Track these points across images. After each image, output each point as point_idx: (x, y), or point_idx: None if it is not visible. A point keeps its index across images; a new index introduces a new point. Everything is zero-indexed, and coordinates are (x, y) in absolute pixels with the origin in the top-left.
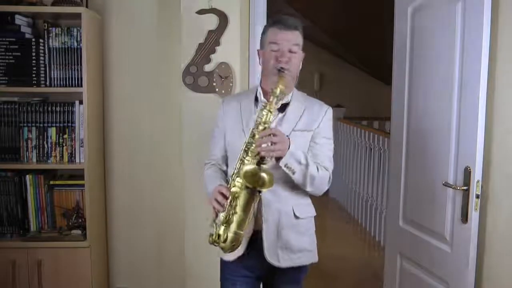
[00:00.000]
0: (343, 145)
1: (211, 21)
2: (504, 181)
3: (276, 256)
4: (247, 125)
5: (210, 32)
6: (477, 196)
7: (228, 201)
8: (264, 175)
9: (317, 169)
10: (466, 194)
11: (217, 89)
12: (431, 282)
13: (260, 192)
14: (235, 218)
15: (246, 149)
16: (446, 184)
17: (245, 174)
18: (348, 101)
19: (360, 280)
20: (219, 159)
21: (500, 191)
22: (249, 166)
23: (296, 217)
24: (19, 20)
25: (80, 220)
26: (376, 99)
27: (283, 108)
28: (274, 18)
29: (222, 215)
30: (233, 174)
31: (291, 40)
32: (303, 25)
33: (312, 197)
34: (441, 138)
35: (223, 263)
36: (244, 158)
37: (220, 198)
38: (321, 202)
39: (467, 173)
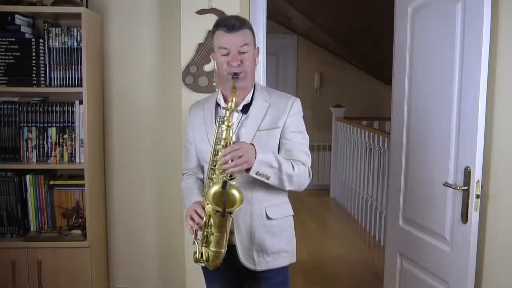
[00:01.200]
0: (343, 145)
1: (211, 21)
2: (504, 181)
3: (252, 260)
4: (210, 133)
5: (210, 32)
6: (477, 196)
7: (203, 220)
8: (232, 192)
9: (293, 166)
10: (466, 194)
11: (217, 89)
12: (431, 282)
13: (230, 213)
14: (213, 238)
15: (212, 167)
16: (446, 184)
17: (213, 197)
18: (348, 101)
19: (360, 280)
20: (194, 168)
21: (500, 191)
22: (215, 187)
23: (269, 218)
24: (19, 20)
25: (80, 220)
26: (376, 99)
27: (245, 108)
28: (218, 20)
29: (200, 234)
30: (204, 194)
31: (239, 42)
32: (249, 22)
33: (312, 196)
34: (441, 138)
35: (202, 268)
36: (212, 176)
37: (196, 217)
38: (321, 202)
39: (467, 173)
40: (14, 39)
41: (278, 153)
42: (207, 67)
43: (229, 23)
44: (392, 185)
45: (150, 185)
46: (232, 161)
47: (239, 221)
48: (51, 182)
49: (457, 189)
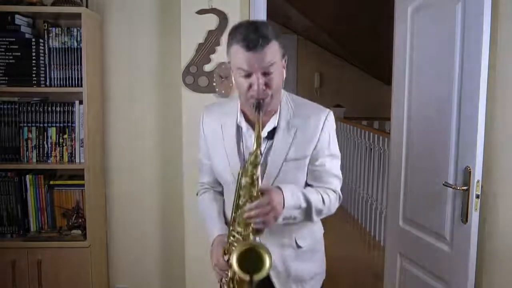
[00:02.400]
0: (343, 145)
1: (211, 21)
2: (504, 181)
3: None
4: (231, 158)
5: (210, 32)
6: (477, 196)
7: (229, 276)
8: (261, 253)
9: (323, 200)
10: (466, 194)
11: (217, 89)
12: (431, 282)
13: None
14: None
15: (234, 221)
16: (446, 184)
17: (238, 264)
18: (348, 101)
19: (360, 280)
20: (211, 182)
21: (500, 191)
22: (238, 250)
23: (300, 246)
24: (19, 20)
25: (80, 220)
26: (376, 99)
27: (271, 133)
28: (236, 31)
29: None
30: (228, 248)
31: (264, 62)
32: (279, 31)
33: None
34: (441, 138)
35: None
36: (233, 232)
37: (222, 267)
38: None
39: (467, 173)
40: (14, 39)
41: (306, 178)
42: (207, 67)
43: (250, 40)
44: (392, 185)
45: (150, 185)
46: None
47: (272, 257)
48: (51, 182)
49: (457, 189)
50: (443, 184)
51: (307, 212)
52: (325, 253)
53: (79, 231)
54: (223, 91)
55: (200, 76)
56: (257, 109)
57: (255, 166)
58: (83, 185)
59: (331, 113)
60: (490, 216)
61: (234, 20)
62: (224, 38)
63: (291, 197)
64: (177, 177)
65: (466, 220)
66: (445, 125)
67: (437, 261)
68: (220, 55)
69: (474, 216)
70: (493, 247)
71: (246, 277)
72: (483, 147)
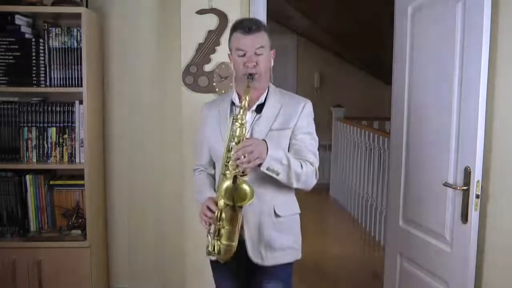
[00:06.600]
0: (343, 145)
1: (211, 21)
2: (504, 181)
3: (260, 255)
4: (224, 131)
5: (210, 32)
6: (477, 196)
7: (216, 215)
8: (243, 187)
9: (301, 165)
10: (466, 194)
11: (217, 89)
12: (431, 282)
13: (241, 207)
14: (224, 231)
15: (226, 163)
16: (446, 184)
17: (224, 192)
18: (348, 101)
19: (360, 280)
20: (206, 164)
21: (500, 191)
22: (226, 182)
23: (277, 215)
24: (19, 20)
25: (80, 220)
26: (376, 99)
27: (259, 108)
28: (236, 22)
29: (213, 228)
30: (217, 189)
31: (256, 44)
32: (265, 25)
33: (312, 196)
34: (441, 138)
35: (211, 262)
36: (226, 172)
37: (209, 213)
38: (321, 201)
39: (467, 173)
40: (14, 39)
41: (288, 150)
42: (207, 67)
43: (246, 26)
44: (392, 185)
45: (150, 185)
46: (244, 156)
47: (249, 218)
48: (51, 182)
49: (457, 189)
50: (443, 184)
51: (288, 172)
52: (325, 252)
53: (79, 231)
54: (223, 91)
55: (200, 76)
56: (250, 78)
57: (244, 110)
58: (83, 185)
59: (310, 103)
60: (490, 216)
61: (234, 20)
62: (224, 38)
63: (273, 148)
64: (178, 176)
65: (466, 220)
66: (445, 125)
67: (437, 261)
68: (220, 55)
69: (474, 216)
70: (493, 247)
71: (230, 202)
72: (483, 147)
